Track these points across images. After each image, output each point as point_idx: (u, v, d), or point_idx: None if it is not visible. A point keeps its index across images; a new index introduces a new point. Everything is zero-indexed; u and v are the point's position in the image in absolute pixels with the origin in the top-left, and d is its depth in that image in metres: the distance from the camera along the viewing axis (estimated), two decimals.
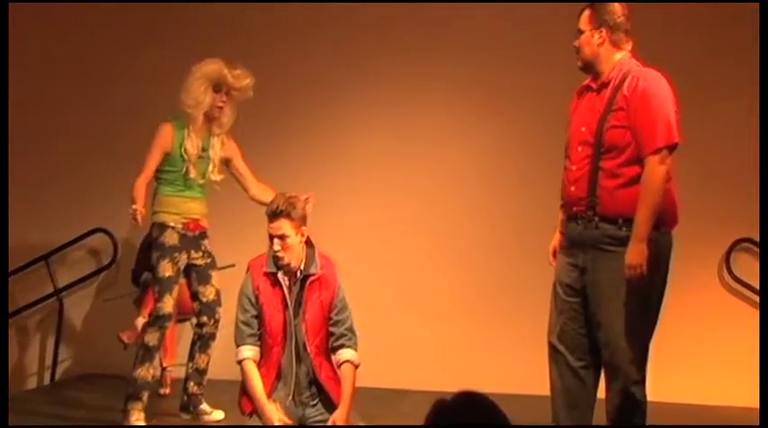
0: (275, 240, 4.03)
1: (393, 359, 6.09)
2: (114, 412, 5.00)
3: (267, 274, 4.09)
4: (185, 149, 4.93)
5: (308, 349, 4.06)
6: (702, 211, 6.14)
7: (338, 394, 4.03)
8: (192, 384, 5.10)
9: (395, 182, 6.50)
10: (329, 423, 3.97)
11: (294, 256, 4.06)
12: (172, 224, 4.92)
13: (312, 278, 4.09)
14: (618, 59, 3.79)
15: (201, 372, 5.10)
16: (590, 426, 3.89)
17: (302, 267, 4.10)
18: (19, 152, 6.39)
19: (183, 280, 5.08)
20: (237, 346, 4.09)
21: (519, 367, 5.67)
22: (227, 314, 4.97)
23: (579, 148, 3.76)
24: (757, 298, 6.09)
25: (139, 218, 4.72)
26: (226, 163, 5.11)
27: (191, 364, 5.11)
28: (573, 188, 3.78)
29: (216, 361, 5.13)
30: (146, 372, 4.85)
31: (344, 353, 4.08)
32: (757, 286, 6.06)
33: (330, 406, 4.04)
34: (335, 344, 4.10)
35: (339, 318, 4.11)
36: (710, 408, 5.75)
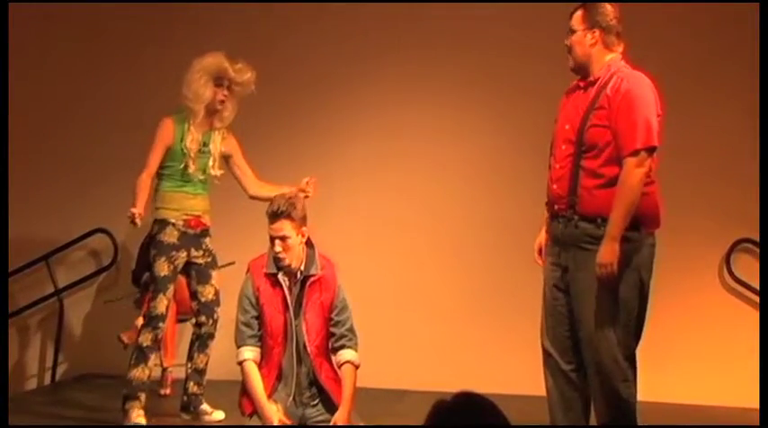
0: (276, 241, 4.03)
1: (392, 359, 6.09)
2: (114, 412, 5.00)
3: (267, 275, 4.09)
4: (185, 144, 4.92)
5: (309, 349, 4.06)
6: (703, 212, 6.15)
7: (338, 394, 4.03)
8: (191, 384, 5.09)
9: (394, 183, 6.49)
10: (330, 424, 3.97)
11: (295, 257, 4.06)
12: (173, 220, 4.90)
13: (312, 279, 4.10)
14: (608, 60, 3.80)
15: (201, 372, 5.09)
16: (587, 427, 3.91)
17: (302, 268, 4.10)
18: (19, 152, 6.38)
19: (183, 280, 5.08)
20: (238, 347, 4.09)
21: (518, 367, 5.66)
22: (227, 313, 4.98)
23: (563, 146, 3.80)
24: (758, 299, 6.08)
25: (138, 221, 4.71)
26: (226, 159, 5.10)
27: (190, 364, 5.10)
28: (555, 186, 3.82)
29: (216, 362, 5.13)
30: (141, 373, 4.85)
31: (345, 354, 4.08)
32: (758, 286, 6.06)
33: (330, 407, 4.05)
34: (336, 345, 4.11)
35: (339, 319, 4.11)
36: (711, 409, 5.74)
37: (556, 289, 3.86)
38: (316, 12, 6.54)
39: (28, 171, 6.59)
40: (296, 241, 4.04)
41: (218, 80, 4.95)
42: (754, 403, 4.96)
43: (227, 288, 4.95)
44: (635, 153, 3.62)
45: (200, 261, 4.99)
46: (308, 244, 4.16)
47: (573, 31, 3.84)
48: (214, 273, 5.06)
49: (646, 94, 3.69)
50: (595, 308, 3.70)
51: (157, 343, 5.00)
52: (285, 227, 4.02)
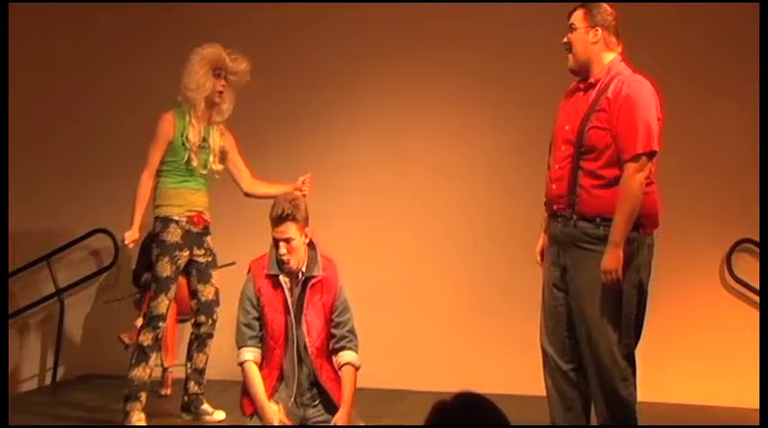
0: (281, 244, 4.02)
1: (393, 359, 6.09)
2: (115, 412, 5.01)
3: (268, 276, 4.09)
4: (187, 137, 4.89)
5: (310, 351, 4.06)
6: (703, 212, 6.15)
7: (339, 395, 4.03)
8: (191, 384, 5.10)
9: (394, 184, 6.49)
10: (330, 425, 3.97)
11: (298, 258, 4.06)
12: (176, 218, 4.88)
13: (314, 280, 4.09)
14: (608, 61, 3.80)
15: (200, 372, 5.09)
16: (587, 426, 3.92)
17: (304, 269, 4.10)
18: (20, 152, 6.38)
19: (183, 280, 5.07)
20: (239, 348, 4.09)
21: (519, 368, 5.66)
22: (228, 313, 4.97)
23: (562, 147, 3.81)
24: (758, 299, 6.08)
25: (131, 246, 4.80)
26: (222, 155, 5.08)
27: (189, 364, 5.11)
28: (554, 186, 3.83)
29: (217, 362, 5.14)
30: (141, 372, 4.84)
31: (345, 355, 4.08)
32: (758, 286, 6.05)
33: (331, 408, 4.05)
34: (336, 346, 4.10)
35: (340, 320, 4.11)
36: (712, 409, 5.74)
37: (555, 289, 3.88)
38: (317, 13, 6.54)
39: (29, 171, 6.59)
40: (300, 242, 4.04)
41: (217, 71, 4.94)
42: (755, 403, 4.96)
43: (228, 288, 4.95)
44: (636, 158, 3.63)
45: (201, 260, 4.99)
46: (310, 244, 4.15)
47: (574, 29, 3.84)
48: (214, 273, 5.06)
49: (646, 99, 3.70)
50: (595, 308, 3.71)
51: (158, 343, 4.99)
52: (290, 229, 4.01)
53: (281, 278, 4.08)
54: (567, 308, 3.83)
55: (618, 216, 3.63)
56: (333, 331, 4.11)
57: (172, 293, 4.89)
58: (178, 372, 5.70)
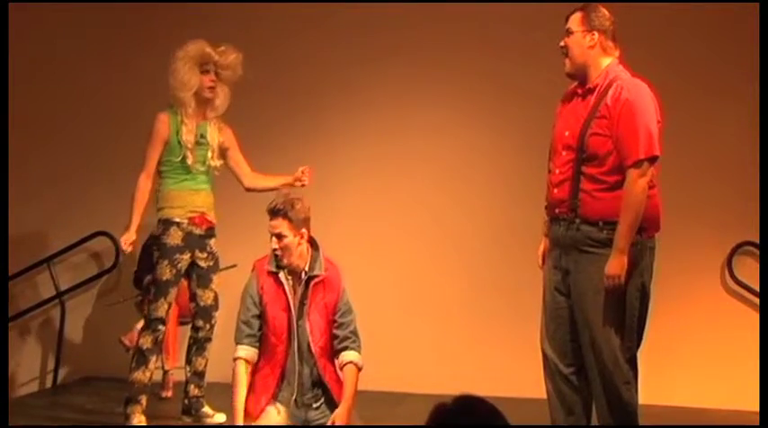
0: (273, 238, 4.07)
1: (393, 362, 6.08)
2: (115, 415, 5.01)
3: (270, 273, 4.11)
4: (182, 136, 4.87)
5: (313, 350, 4.08)
6: (704, 215, 6.15)
7: (341, 395, 4.04)
8: (192, 387, 5.09)
9: (395, 186, 6.49)
10: (329, 423, 3.98)
11: (294, 257, 4.08)
12: (177, 219, 4.86)
13: (316, 279, 4.11)
14: (606, 66, 3.80)
15: (200, 375, 5.09)
16: (586, 427, 3.92)
17: (306, 268, 4.12)
18: (20, 154, 6.38)
19: (184, 282, 5.04)
20: (236, 344, 4.12)
21: (519, 370, 5.65)
22: (229, 316, 4.97)
23: (563, 153, 3.81)
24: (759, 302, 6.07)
25: (128, 249, 4.80)
26: (222, 151, 5.05)
27: (188, 368, 5.10)
28: (556, 190, 3.83)
29: (218, 364, 5.11)
30: (142, 375, 4.85)
31: (348, 355, 4.10)
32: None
33: (333, 408, 4.08)
34: (339, 347, 4.12)
35: (343, 321, 4.13)
36: (714, 412, 5.74)
37: (557, 292, 3.87)
38: (316, 14, 6.54)
39: (29, 173, 6.59)
40: (293, 241, 4.06)
41: (204, 66, 4.90)
42: (755, 406, 4.95)
43: (228, 290, 4.95)
44: (638, 164, 3.64)
45: (202, 264, 4.97)
46: (314, 245, 4.18)
47: (570, 33, 3.84)
48: (215, 278, 5.05)
49: (646, 103, 3.70)
50: (597, 311, 3.71)
51: (158, 346, 4.99)
52: (282, 226, 4.05)
53: (282, 275, 4.10)
54: (569, 311, 3.83)
55: (622, 222, 3.63)
56: (335, 332, 4.12)
57: (171, 297, 4.88)
58: (179, 375, 5.69)
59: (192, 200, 4.91)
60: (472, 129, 6.51)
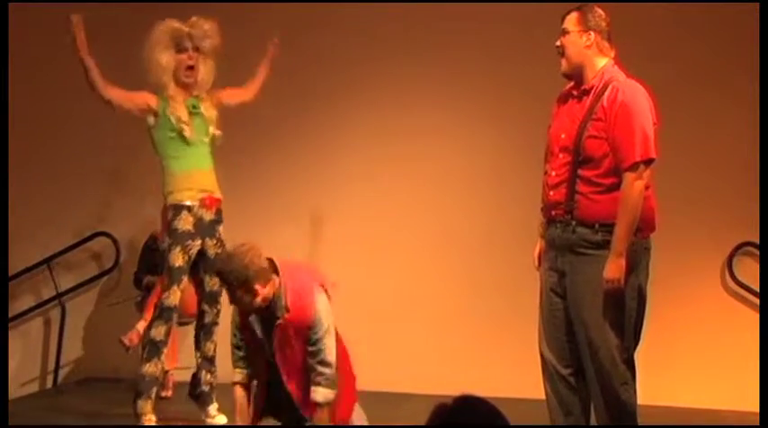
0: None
1: (394, 363, 6.09)
2: (117, 416, 5.01)
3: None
4: (172, 111, 4.75)
5: (288, 387, 4.04)
6: (705, 215, 6.15)
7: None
8: (203, 373, 4.95)
9: (396, 187, 6.49)
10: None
11: (255, 307, 3.95)
12: (188, 203, 4.75)
13: (278, 322, 3.97)
14: (601, 66, 3.80)
15: (210, 360, 4.96)
16: (586, 427, 3.93)
17: (273, 309, 3.98)
18: (21, 154, 6.38)
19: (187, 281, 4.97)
20: (233, 367, 4.19)
21: (520, 371, 5.64)
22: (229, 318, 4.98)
23: (560, 155, 3.81)
24: (759, 302, 6.07)
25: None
26: (221, 105, 4.95)
27: (198, 354, 4.98)
28: (552, 193, 3.84)
29: (219, 367, 5.09)
30: (154, 368, 4.74)
31: (315, 394, 4.00)
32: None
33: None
34: (312, 379, 4.02)
35: (311, 350, 4.00)
36: (714, 412, 5.74)
37: (553, 294, 3.88)
38: (317, 15, 6.54)
39: (30, 173, 6.59)
40: (251, 300, 3.91)
41: (179, 45, 4.78)
42: (755, 406, 4.95)
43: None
44: (634, 166, 3.64)
45: (211, 251, 4.84)
46: (278, 283, 3.98)
47: (566, 32, 3.85)
48: None
49: (642, 105, 3.70)
50: (594, 312, 3.72)
51: (169, 337, 4.87)
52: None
53: (252, 318, 4.04)
54: (566, 313, 3.84)
55: (619, 225, 3.63)
56: (308, 360, 4.01)
57: (183, 284, 4.77)
58: (179, 375, 5.70)
59: (198, 180, 4.79)
60: (473, 129, 6.51)
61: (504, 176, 6.40)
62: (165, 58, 4.75)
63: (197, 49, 4.82)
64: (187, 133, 4.77)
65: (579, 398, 3.87)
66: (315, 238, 6.35)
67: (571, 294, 3.80)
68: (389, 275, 6.40)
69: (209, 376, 4.97)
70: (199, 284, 4.96)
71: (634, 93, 3.71)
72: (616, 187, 3.67)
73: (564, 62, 3.87)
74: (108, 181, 6.44)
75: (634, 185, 3.64)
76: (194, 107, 4.83)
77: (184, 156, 4.80)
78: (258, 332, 4.03)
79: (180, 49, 4.80)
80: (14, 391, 6.36)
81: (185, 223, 4.73)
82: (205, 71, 4.88)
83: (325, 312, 3.98)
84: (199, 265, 4.88)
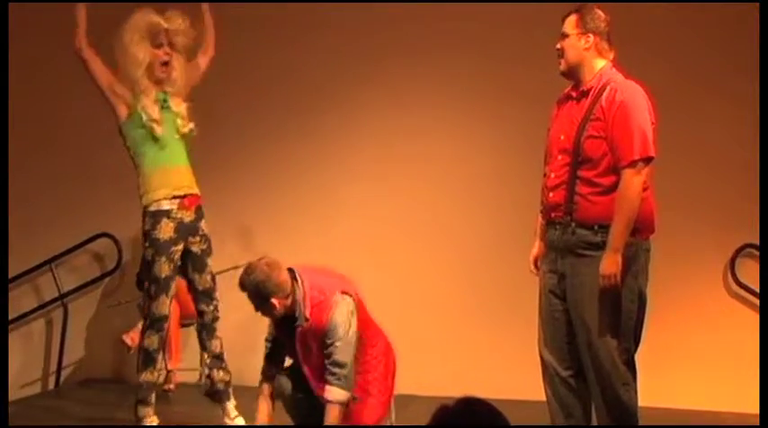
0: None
1: (398, 364, 6.07)
2: (118, 417, 5.01)
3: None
4: (144, 108, 4.65)
5: (316, 392, 4.13)
6: (707, 216, 6.14)
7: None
8: (215, 371, 4.88)
9: (396, 188, 6.48)
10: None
11: (278, 315, 4.12)
12: (166, 207, 4.65)
13: (300, 329, 4.11)
14: (600, 68, 3.82)
15: (219, 357, 4.89)
16: (586, 427, 3.93)
17: (296, 315, 4.12)
18: (22, 155, 6.38)
19: (184, 284, 4.95)
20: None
21: (522, 373, 5.64)
22: (231, 320, 4.98)
23: (559, 157, 3.82)
24: (759, 303, 6.07)
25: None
26: (191, 81, 4.85)
27: (205, 354, 4.93)
28: (551, 194, 3.85)
29: (235, 372, 5.08)
30: (150, 376, 4.77)
31: (328, 392, 4.07)
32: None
33: None
34: (325, 378, 4.10)
35: (326, 351, 4.10)
36: (714, 414, 5.74)
37: (552, 296, 3.89)
38: (317, 15, 6.53)
39: (31, 174, 6.59)
40: (274, 311, 4.09)
41: (155, 39, 4.68)
42: (756, 408, 4.95)
43: (230, 293, 4.94)
44: (633, 164, 3.65)
45: (196, 249, 4.75)
46: (298, 289, 4.10)
47: (566, 35, 3.86)
48: (209, 260, 4.84)
49: (640, 104, 3.72)
50: (594, 314, 3.72)
51: (162, 345, 4.90)
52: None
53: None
54: (565, 315, 3.84)
55: (616, 222, 3.64)
56: (325, 361, 4.11)
57: (172, 291, 4.73)
58: (181, 376, 5.71)
59: (171, 178, 4.68)
60: (473, 130, 6.51)
61: (504, 177, 6.39)
62: (143, 53, 4.65)
63: (171, 45, 4.75)
64: (157, 131, 4.66)
65: (580, 400, 3.88)
66: (315, 239, 6.35)
67: (571, 296, 3.80)
68: (390, 276, 6.39)
69: (221, 373, 4.88)
70: (190, 284, 4.87)
71: (633, 92, 3.73)
72: (615, 188, 3.68)
73: (563, 63, 3.88)
74: (110, 182, 6.44)
75: (632, 182, 3.65)
76: (164, 101, 4.73)
77: (156, 154, 4.70)
78: (284, 332, 4.18)
79: (156, 43, 4.71)
80: (16, 392, 6.37)
81: (166, 231, 4.65)
82: (179, 68, 4.78)
83: (342, 321, 4.07)
84: (187, 265, 4.79)
